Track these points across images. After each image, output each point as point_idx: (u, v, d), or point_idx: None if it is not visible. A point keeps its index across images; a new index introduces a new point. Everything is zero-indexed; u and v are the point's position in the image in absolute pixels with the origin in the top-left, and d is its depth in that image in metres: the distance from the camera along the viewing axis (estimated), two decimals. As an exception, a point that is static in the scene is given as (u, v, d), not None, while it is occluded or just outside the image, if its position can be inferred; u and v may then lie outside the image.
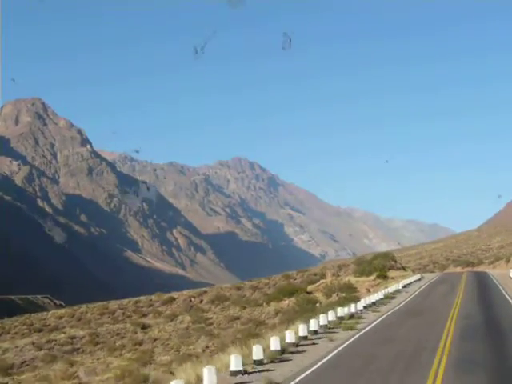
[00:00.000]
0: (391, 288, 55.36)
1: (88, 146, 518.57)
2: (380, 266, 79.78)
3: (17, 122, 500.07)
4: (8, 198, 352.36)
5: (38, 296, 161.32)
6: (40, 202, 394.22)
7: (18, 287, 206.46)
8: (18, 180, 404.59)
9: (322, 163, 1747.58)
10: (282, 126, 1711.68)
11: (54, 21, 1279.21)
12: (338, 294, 56.74)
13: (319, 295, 60.59)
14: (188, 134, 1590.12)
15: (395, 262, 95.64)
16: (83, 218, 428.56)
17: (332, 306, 40.79)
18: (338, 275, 79.21)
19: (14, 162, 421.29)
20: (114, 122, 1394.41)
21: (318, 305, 51.83)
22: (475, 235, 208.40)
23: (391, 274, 79.02)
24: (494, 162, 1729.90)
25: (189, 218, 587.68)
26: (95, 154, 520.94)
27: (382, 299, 47.12)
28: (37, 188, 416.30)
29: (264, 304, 64.77)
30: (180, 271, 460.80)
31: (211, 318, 60.55)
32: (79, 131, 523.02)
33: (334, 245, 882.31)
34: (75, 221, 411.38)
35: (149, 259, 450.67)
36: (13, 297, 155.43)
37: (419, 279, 75.68)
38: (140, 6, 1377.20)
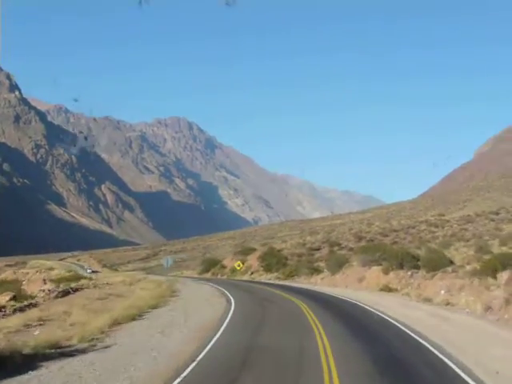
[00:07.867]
0: None
1: (16, 93, 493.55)
2: None
3: None
4: None
5: None
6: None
7: None
8: None
9: (261, 128, 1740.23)
10: (219, 84, 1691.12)
11: None
12: None
13: None
14: (127, 89, 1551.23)
15: None
16: (6, 167, 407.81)
17: None
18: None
19: None
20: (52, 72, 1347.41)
21: None
22: (409, 207, 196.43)
23: None
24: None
25: (120, 175, 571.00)
26: (24, 102, 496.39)
27: None
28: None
29: None
30: (105, 228, 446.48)
31: None
32: (8, 76, 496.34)
33: (268, 211, 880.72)
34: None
35: (73, 214, 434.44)
36: None
37: None
38: None
